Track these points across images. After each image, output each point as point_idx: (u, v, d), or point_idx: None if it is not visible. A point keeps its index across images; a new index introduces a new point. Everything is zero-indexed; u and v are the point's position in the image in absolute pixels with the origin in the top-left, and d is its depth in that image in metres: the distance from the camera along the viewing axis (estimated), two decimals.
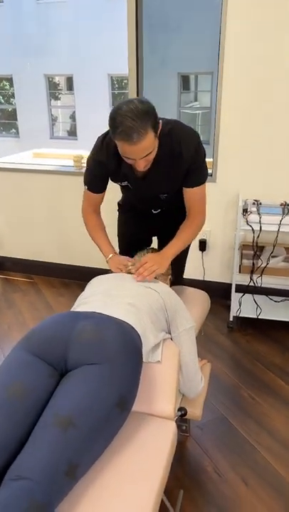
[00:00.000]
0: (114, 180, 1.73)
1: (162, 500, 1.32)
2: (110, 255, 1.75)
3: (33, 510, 0.80)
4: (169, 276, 1.73)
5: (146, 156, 1.41)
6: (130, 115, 1.29)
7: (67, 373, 1.08)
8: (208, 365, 1.80)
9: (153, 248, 1.87)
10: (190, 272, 2.99)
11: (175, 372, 1.28)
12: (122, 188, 1.82)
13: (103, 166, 1.64)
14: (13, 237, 3.41)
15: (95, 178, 1.73)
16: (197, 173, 1.63)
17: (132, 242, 1.97)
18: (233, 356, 2.38)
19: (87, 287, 1.58)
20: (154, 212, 1.86)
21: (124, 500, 0.93)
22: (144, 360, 1.33)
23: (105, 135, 1.60)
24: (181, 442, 1.80)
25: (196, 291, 1.95)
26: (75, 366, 1.09)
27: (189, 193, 1.68)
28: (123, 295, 1.40)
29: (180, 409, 1.37)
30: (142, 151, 1.37)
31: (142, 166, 1.45)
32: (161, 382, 1.23)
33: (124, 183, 1.71)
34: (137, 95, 2.82)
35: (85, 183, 1.77)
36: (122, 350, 1.10)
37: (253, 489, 1.58)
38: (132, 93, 2.81)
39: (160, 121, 1.42)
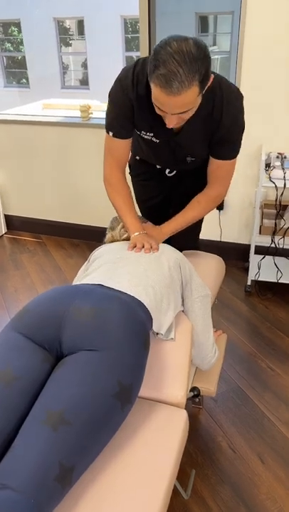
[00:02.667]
0: (138, 128, 1.41)
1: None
2: (136, 233, 1.45)
3: None
4: None
5: (183, 113, 1.15)
6: (178, 58, 1.02)
7: (63, 359, 0.96)
8: (223, 336, 1.67)
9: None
10: (206, 232, 2.81)
11: (188, 352, 1.15)
12: (143, 140, 1.49)
13: (130, 104, 1.32)
14: (20, 194, 3.25)
15: (120, 118, 1.37)
16: (231, 145, 1.40)
17: (150, 208, 1.79)
18: (250, 323, 2.24)
19: (92, 256, 1.43)
20: (169, 174, 1.66)
21: (128, 501, 0.82)
22: (155, 336, 1.20)
23: (140, 64, 1.28)
24: (194, 415, 1.70)
25: (209, 257, 1.78)
26: (71, 351, 0.96)
27: (215, 165, 1.45)
28: (133, 265, 1.25)
29: (192, 388, 1.26)
30: (179, 106, 1.11)
31: (172, 122, 1.19)
32: (172, 364, 1.10)
33: (149, 135, 1.42)
34: (149, 38, 2.52)
35: (108, 127, 1.41)
36: (125, 335, 0.96)
37: (269, 467, 1.49)
38: (143, 37, 2.52)
39: (212, 75, 1.15)
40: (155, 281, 1.20)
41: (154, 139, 1.43)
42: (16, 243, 3.16)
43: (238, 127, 1.36)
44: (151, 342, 1.19)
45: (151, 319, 1.14)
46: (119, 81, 1.31)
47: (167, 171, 1.63)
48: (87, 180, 2.94)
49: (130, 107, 1.33)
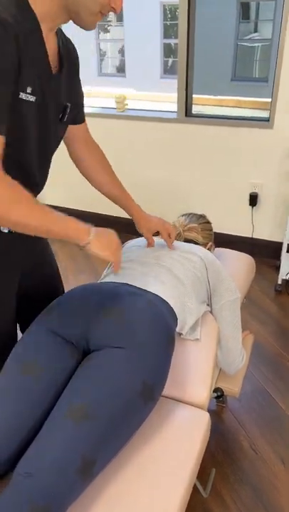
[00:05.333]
0: (20, 87, 0.85)
1: None
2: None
3: None
4: (210, 243, 1.54)
5: None
6: None
7: (89, 355, 0.98)
8: (250, 337, 1.65)
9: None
10: (237, 227, 2.77)
11: (212, 353, 1.15)
12: (18, 119, 0.88)
13: (15, 52, 0.80)
14: (53, 185, 3.28)
15: (4, 93, 0.81)
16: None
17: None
18: (279, 323, 2.21)
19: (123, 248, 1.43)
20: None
21: (148, 498, 0.84)
22: (182, 336, 1.20)
23: None
24: (217, 413, 1.71)
25: (240, 255, 1.76)
26: (98, 347, 0.98)
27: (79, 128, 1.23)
28: (161, 264, 1.25)
29: (216, 389, 1.26)
30: None
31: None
32: (196, 364, 1.10)
33: (28, 94, 0.87)
34: (188, 26, 2.48)
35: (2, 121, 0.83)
36: (150, 334, 0.97)
37: None
38: (182, 24, 2.48)
39: None
40: (180, 281, 1.20)
41: (30, 99, 0.88)
42: None
43: None
44: (176, 341, 1.19)
45: (176, 319, 1.15)
46: None
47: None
48: (121, 173, 2.95)
49: (16, 58, 0.81)
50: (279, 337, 2.10)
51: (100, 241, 0.97)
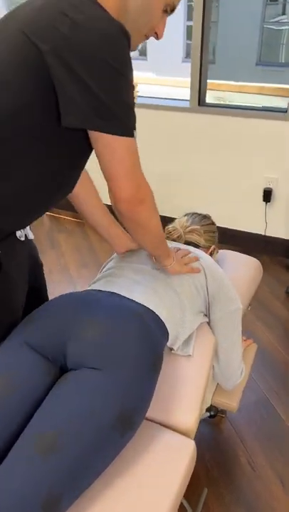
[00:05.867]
0: None
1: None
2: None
3: None
4: (213, 246, 1.43)
5: None
6: None
7: (65, 374, 0.89)
8: (253, 347, 1.55)
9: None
10: (250, 224, 2.64)
11: (205, 372, 1.06)
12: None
13: None
14: None
15: None
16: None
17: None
18: (288, 328, 2.09)
19: (115, 256, 1.34)
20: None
21: None
22: (173, 351, 1.11)
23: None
24: (215, 423, 1.62)
25: (246, 259, 1.64)
26: (75, 366, 0.89)
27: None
28: (155, 270, 1.16)
29: (209, 408, 1.16)
30: None
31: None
32: (185, 385, 1.01)
33: None
34: (204, 7, 2.32)
35: (134, 123, 0.83)
36: (133, 355, 0.88)
37: None
38: (197, 4, 2.32)
39: None
40: (175, 290, 1.11)
41: None
42: (56, 221, 3.14)
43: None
44: (166, 356, 1.10)
45: (167, 333, 1.05)
46: (125, 35, 0.78)
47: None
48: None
49: None
50: (287, 343, 1.99)
51: (178, 262, 1.14)
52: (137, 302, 1.02)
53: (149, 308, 1.03)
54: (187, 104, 2.56)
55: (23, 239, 1.00)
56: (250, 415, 1.65)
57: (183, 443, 0.91)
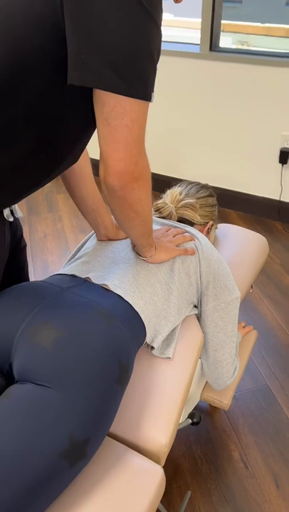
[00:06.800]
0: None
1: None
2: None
3: None
4: (210, 222, 1.24)
5: None
6: None
7: (10, 387, 0.75)
8: (252, 335, 1.39)
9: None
10: (264, 188, 2.40)
11: (185, 380, 0.90)
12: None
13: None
14: None
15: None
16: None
17: None
18: None
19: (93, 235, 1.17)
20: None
21: None
22: (149, 351, 0.96)
23: None
24: (208, 411, 1.49)
25: (250, 235, 1.44)
26: (21, 379, 0.75)
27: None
28: (129, 255, 0.99)
29: (191, 414, 1.02)
30: None
31: None
32: (161, 396, 0.86)
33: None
34: None
35: (151, 86, 0.66)
36: (94, 370, 0.72)
37: (284, 494, 1.27)
38: None
39: None
40: (157, 277, 0.95)
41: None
42: (55, 181, 2.94)
43: None
44: (141, 356, 0.95)
45: (144, 328, 0.90)
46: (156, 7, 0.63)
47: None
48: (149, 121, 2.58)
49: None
50: None
51: (169, 243, 1.01)
52: (108, 292, 0.87)
53: (121, 298, 0.87)
54: (197, 49, 2.26)
55: (11, 219, 0.87)
56: (246, 405, 1.51)
57: (150, 469, 0.77)
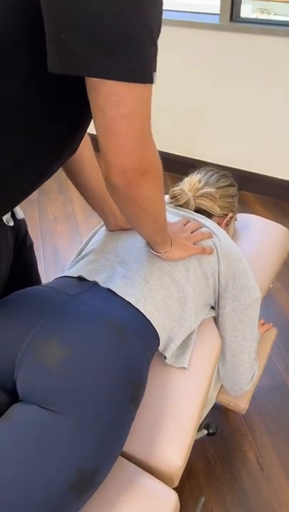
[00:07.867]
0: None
1: None
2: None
3: None
4: (230, 214, 1.15)
5: None
6: None
7: (12, 406, 0.69)
8: (271, 333, 1.31)
9: None
10: (281, 169, 2.27)
11: (202, 392, 0.84)
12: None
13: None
14: None
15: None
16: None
17: None
18: None
19: (99, 229, 1.09)
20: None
21: None
22: (165, 360, 0.89)
23: None
24: (222, 409, 1.44)
25: (272, 226, 1.35)
26: (25, 399, 0.69)
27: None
28: (141, 257, 0.91)
29: (207, 425, 0.96)
30: None
31: None
32: (174, 412, 0.80)
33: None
34: None
35: (153, 66, 0.55)
36: (105, 392, 0.66)
37: None
38: None
39: None
40: (172, 278, 0.87)
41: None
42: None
43: None
44: (154, 366, 0.88)
45: (157, 336, 0.83)
46: None
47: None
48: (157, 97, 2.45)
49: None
50: None
51: (185, 239, 0.91)
52: (117, 298, 0.80)
53: (130, 304, 0.80)
54: (216, 20, 2.09)
55: (11, 224, 0.80)
56: (263, 403, 1.46)
57: (163, 494, 0.71)
